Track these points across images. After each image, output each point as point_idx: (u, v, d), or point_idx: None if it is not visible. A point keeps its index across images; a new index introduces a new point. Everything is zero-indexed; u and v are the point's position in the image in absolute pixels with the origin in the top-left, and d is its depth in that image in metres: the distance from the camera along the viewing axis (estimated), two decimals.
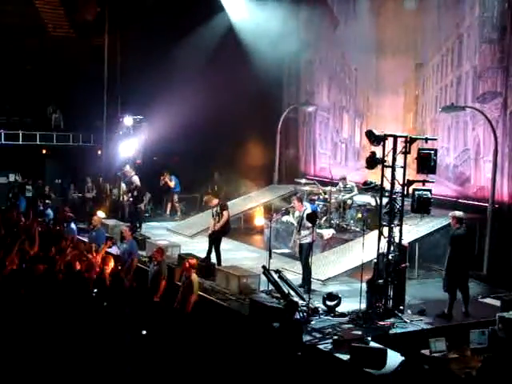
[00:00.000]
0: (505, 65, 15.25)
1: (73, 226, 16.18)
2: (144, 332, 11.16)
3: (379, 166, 11.41)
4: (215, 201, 15.05)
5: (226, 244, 17.29)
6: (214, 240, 14.75)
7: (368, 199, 15.98)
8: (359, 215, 16.08)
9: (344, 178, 16.88)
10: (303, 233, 13.23)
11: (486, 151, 15.52)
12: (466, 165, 16.32)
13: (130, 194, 18.31)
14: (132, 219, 17.98)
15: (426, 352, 9.33)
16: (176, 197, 20.95)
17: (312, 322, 11.18)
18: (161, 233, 17.90)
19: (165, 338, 10.97)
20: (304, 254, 13.19)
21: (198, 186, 21.94)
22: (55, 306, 10.34)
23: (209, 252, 14.73)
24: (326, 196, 16.61)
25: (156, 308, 12.12)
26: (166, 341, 10.87)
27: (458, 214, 11.83)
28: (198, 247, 16.00)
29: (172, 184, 20.75)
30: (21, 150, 24.16)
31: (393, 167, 11.31)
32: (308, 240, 13.00)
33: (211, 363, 10.10)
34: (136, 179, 18.35)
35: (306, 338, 10.44)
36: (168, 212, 20.96)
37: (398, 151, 11.35)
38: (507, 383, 8.38)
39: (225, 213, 14.68)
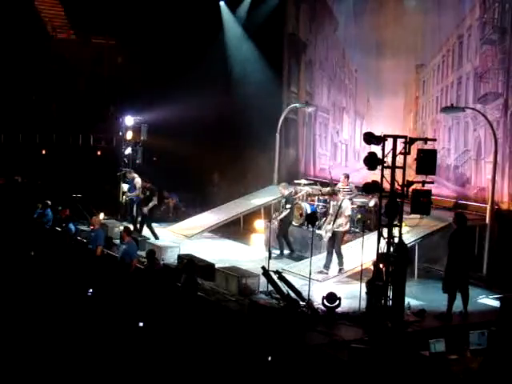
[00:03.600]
0: (506, 66, 15.21)
1: (71, 226, 16.16)
2: (141, 324, 11.23)
3: (379, 167, 11.36)
4: (287, 192, 16.15)
5: (225, 244, 17.36)
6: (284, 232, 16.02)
7: (366, 200, 15.96)
8: (359, 216, 16.04)
9: (347, 176, 16.80)
10: (339, 221, 13.82)
11: (487, 152, 15.48)
12: (466, 166, 16.28)
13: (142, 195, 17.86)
14: (142, 220, 17.61)
15: (425, 353, 9.30)
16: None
17: (312, 323, 11.17)
18: (160, 233, 17.82)
19: (163, 333, 11.02)
20: (337, 242, 13.85)
21: (197, 187, 21.92)
22: None
23: (290, 248, 15.93)
24: (326, 197, 16.58)
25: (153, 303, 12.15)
26: (164, 336, 10.91)
27: (459, 213, 11.82)
28: (197, 248, 16.00)
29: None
30: (20, 151, 24.16)
31: (392, 168, 11.27)
32: (343, 228, 13.88)
33: (210, 363, 10.10)
34: (138, 181, 18.14)
35: (306, 338, 10.41)
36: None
37: (397, 152, 11.31)
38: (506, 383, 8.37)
39: (288, 205, 16.02)
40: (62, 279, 13.71)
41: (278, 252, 15.86)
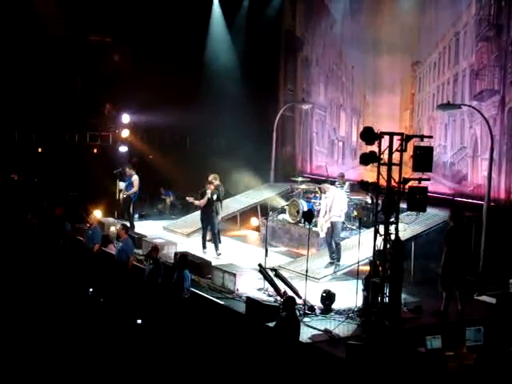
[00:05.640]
0: (502, 63, 15.24)
1: (66, 224, 16.12)
2: (139, 321, 11.23)
3: (375, 164, 11.35)
4: (216, 182, 16.10)
5: (222, 242, 17.31)
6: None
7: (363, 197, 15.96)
8: (355, 213, 16.05)
9: (342, 176, 16.82)
10: (334, 211, 13.84)
11: (484, 149, 15.51)
12: (462, 163, 16.32)
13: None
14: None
15: (421, 349, 9.31)
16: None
17: (308, 320, 11.17)
18: (157, 231, 17.81)
19: (160, 330, 11.02)
20: (336, 232, 13.93)
21: (193, 185, 21.90)
22: None
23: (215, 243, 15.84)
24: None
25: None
26: (162, 333, 10.91)
27: (456, 210, 11.84)
28: (194, 245, 15.98)
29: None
30: (16, 149, 24.09)
31: (389, 165, 11.26)
32: (340, 218, 13.96)
33: (208, 361, 10.10)
34: (136, 178, 18.12)
35: (303, 335, 10.40)
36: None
37: (393, 149, 11.30)
38: (501, 379, 8.38)
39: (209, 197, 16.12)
40: (58, 278, 13.70)
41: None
